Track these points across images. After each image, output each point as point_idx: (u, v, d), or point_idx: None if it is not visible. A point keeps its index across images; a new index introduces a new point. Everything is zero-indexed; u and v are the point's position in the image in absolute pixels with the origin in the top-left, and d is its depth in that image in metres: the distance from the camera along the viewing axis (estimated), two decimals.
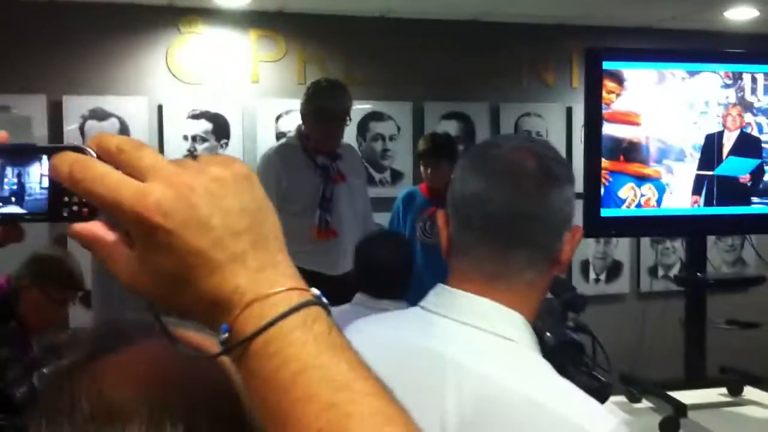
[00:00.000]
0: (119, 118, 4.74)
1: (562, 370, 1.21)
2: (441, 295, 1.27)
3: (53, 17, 4.62)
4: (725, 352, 3.54)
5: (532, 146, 1.28)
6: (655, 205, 3.10)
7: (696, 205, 3.14)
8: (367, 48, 5.13)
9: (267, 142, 4.76)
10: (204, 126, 4.89)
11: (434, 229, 3.85)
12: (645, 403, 2.84)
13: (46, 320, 3.11)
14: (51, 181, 0.62)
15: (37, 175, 0.63)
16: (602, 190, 3.03)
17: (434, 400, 1.15)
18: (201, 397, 0.65)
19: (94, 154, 0.60)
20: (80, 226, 0.61)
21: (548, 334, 1.63)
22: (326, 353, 0.57)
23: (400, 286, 2.85)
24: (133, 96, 4.77)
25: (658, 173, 3.10)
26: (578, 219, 1.58)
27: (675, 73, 3.11)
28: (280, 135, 4.90)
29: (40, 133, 4.48)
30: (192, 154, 4.79)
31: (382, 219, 4.54)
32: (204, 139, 4.89)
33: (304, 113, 3.82)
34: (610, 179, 3.04)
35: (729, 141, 3.15)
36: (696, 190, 3.13)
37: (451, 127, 5.18)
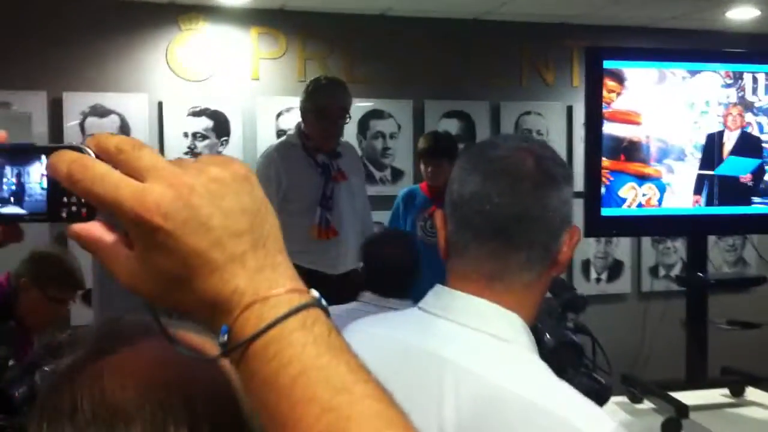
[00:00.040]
0: (119, 115, 4.73)
1: (562, 371, 1.20)
2: (439, 296, 1.27)
3: (54, 14, 4.62)
4: (727, 352, 3.54)
5: (530, 147, 1.27)
6: (656, 204, 3.10)
7: (697, 205, 3.13)
8: (368, 46, 5.12)
9: (267, 139, 4.75)
10: (204, 123, 4.88)
11: (435, 228, 3.84)
12: (647, 404, 2.84)
13: (46, 319, 3.10)
14: (50, 181, 0.62)
15: (37, 175, 0.63)
16: (603, 190, 3.03)
17: (432, 402, 1.15)
18: (201, 397, 0.64)
19: (93, 154, 0.59)
20: (79, 227, 0.60)
21: (548, 335, 1.63)
22: (326, 355, 0.57)
23: (408, 285, 2.86)
24: (133, 93, 4.76)
25: (658, 173, 3.09)
26: (579, 218, 1.57)
27: (676, 72, 3.11)
28: (280, 132, 4.89)
29: (40, 130, 4.47)
30: (192, 152, 4.79)
31: (382, 217, 4.53)
32: (204, 137, 4.88)
33: (304, 111, 3.81)
34: (611, 178, 3.04)
35: (730, 141, 3.15)
36: (697, 190, 3.13)
37: (452, 126, 5.18)
